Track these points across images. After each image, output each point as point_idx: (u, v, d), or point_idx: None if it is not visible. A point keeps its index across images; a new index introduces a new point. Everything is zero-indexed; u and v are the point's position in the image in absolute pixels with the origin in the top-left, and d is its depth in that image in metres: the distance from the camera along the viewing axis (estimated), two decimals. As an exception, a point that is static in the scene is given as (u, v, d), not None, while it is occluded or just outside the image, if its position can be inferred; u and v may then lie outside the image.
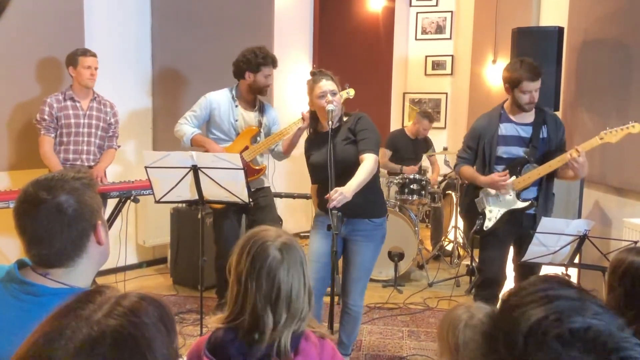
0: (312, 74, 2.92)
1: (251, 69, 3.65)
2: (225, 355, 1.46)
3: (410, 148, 5.40)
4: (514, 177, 3.12)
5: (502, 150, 3.15)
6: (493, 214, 3.17)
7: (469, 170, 3.28)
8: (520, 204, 3.11)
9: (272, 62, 3.69)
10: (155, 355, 0.78)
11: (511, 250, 3.29)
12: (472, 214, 3.28)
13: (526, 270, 3.02)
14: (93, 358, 0.74)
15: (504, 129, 3.15)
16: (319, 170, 2.89)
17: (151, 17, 4.80)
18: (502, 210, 3.15)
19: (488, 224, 3.18)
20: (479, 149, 3.21)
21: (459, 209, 3.49)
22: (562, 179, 3.17)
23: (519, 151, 3.14)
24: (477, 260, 4.55)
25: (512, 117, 3.16)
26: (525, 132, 3.13)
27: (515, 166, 3.12)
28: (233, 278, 1.51)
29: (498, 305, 0.78)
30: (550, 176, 3.13)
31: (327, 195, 2.54)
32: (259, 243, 1.49)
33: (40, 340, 0.76)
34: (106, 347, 0.75)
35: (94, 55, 3.81)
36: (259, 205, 3.71)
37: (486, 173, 3.18)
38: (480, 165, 3.23)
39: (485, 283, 3.26)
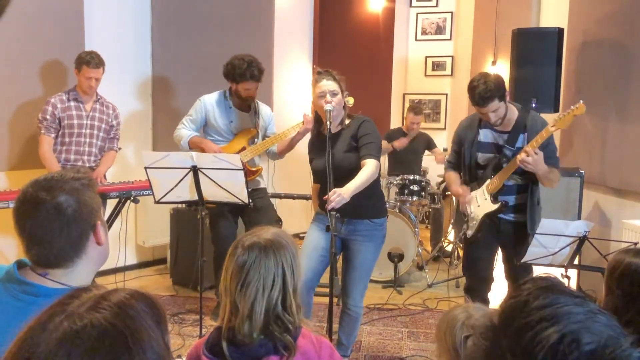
0: (317, 73, 2.87)
1: (230, 79, 3.63)
2: (223, 354, 1.47)
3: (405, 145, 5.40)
4: (475, 192, 3.09)
5: (480, 157, 3.09)
6: (474, 220, 3.14)
7: (450, 176, 3.27)
8: (493, 206, 3.05)
9: (252, 77, 3.58)
10: (143, 349, 0.77)
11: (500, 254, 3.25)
12: (459, 221, 3.28)
13: (517, 273, 2.98)
14: (74, 349, 0.73)
15: (483, 135, 3.08)
16: (321, 174, 2.89)
17: (151, 18, 4.80)
18: (480, 215, 3.10)
19: (470, 231, 3.16)
20: (461, 153, 3.17)
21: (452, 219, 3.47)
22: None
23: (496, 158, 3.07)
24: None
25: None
26: (503, 140, 3.02)
27: (490, 170, 3.05)
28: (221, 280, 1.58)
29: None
30: (535, 183, 3.01)
31: (325, 196, 2.55)
32: (235, 244, 1.57)
33: (25, 335, 0.76)
34: (88, 339, 0.74)
35: (98, 66, 3.74)
36: (255, 207, 3.70)
37: (468, 177, 3.16)
38: (463, 170, 3.20)
39: (471, 286, 3.24)
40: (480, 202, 3.10)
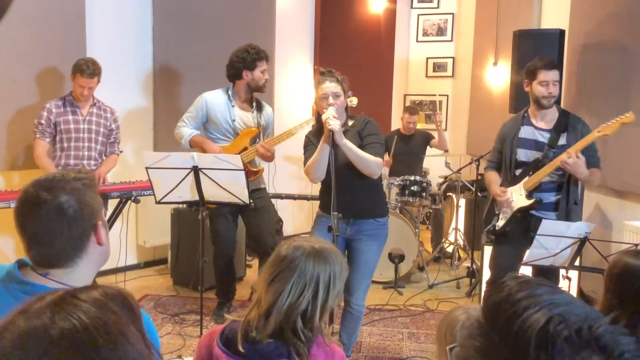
0: (321, 73, 2.88)
1: (247, 67, 3.64)
2: (237, 348, 1.46)
3: (400, 146, 5.37)
4: (512, 188, 3.16)
5: (521, 153, 3.17)
6: (506, 214, 3.22)
7: (490, 176, 3.35)
8: (527, 202, 3.12)
9: (266, 56, 3.71)
10: (113, 343, 0.73)
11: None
12: (490, 215, 3.36)
13: (544, 277, 2.99)
14: (30, 348, 0.70)
15: (524, 131, 3.17)
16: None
17: (152, 17, 4.80)
18: (513, 209, 3.17)
19: (499, 223, 3.25)
20: (503, 151, 3.26)
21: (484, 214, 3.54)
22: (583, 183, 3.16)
23: (536, 155, 3.13)
24: (477, 262, 4.57)
25: (533, 121, 3.17)
26: (544, 138, 3.11)
27: (530, 168, 3.13)
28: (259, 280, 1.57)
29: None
30: (574, 183, 3.08)
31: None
32: (282, 248, 1.56)
33: None
34: (43, 338, 0.71)
35: (92, 76, 3.68)
36: (255, 207, 3.69)
37: (508, 175, 3.22)
38: (503, 168, 3.27)
39: (494, 280, 3.26)
40: (515, 198, 3.17)
